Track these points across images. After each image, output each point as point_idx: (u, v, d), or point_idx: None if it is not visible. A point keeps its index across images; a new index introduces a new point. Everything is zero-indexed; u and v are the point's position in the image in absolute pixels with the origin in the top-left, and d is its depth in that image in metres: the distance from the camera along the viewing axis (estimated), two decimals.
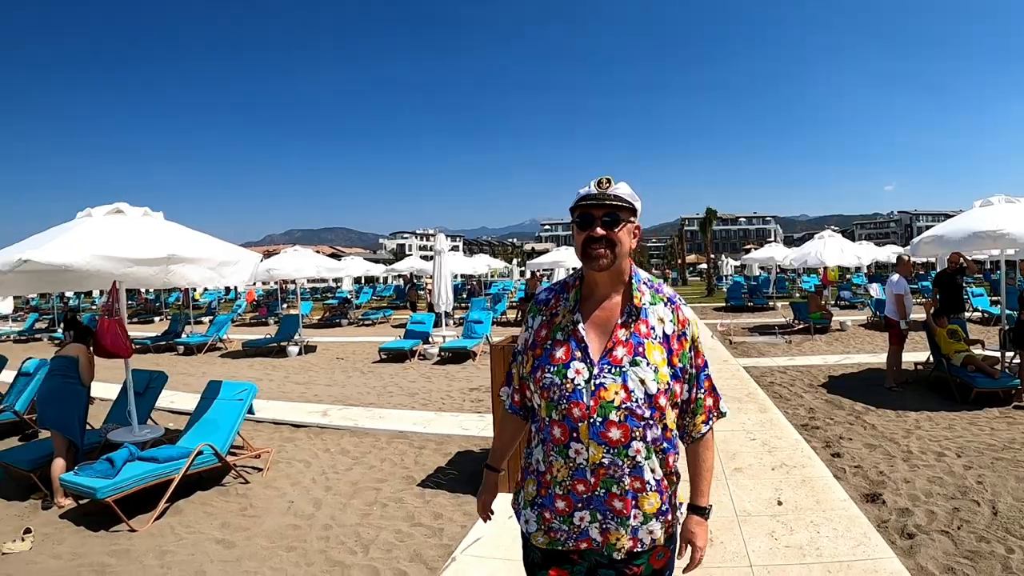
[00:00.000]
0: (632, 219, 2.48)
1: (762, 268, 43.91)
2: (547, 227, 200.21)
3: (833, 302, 27.02)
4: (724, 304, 32.19)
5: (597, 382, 2.35)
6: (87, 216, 7.63)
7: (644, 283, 2.55)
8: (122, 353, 7.47)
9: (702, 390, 2.55)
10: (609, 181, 2.47)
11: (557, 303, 2.62)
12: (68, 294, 44.62)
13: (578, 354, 2.42)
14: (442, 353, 16.79)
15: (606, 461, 2.35)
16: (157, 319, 37.06)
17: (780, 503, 6.04)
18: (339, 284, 54.07)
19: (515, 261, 67.47)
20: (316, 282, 58.02)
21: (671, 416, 2.45)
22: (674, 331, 2.47)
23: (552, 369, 2.44)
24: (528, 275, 34.63)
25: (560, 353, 2.46)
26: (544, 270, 34.42)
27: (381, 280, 59.13)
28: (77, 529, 6.28)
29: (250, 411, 8.06)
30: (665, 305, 2.51)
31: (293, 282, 29.66)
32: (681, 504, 2.63)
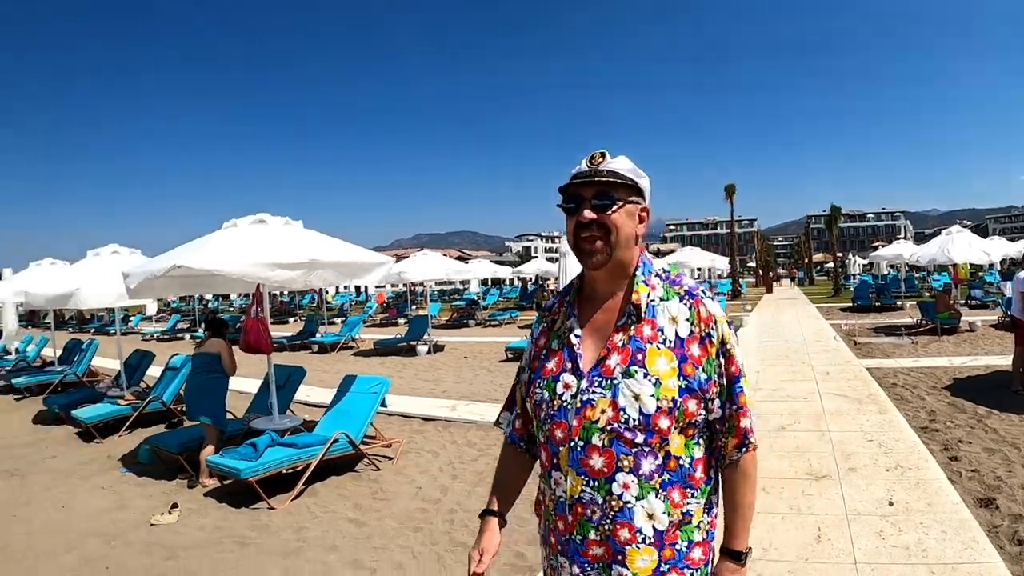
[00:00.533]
0: (634, 199, 2.05)
1: (890, 266, 42.40)
2: (672, 227, 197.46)
3: (963, 301, 25.83)
4: (851, 304, 31.18)
5: (584, 398, 1.95)
6: (232, 226, 8.21)
7: (656, 275, 2.08)
8: (264, 349, 8.02)
9: (735, 406, 2.00)
10: (604, 155, 2.07)
11: (560, 307, 2.23)
12: (207, 296, 46.52)
13: (569, 365, 2.03)
14: None
15: (585, 497, 1.94)
16: (291, 320, 38.36)
17: (891, 504, 5.96)
18: (466, 286, 54.85)
19: None
20: (444, 284, 58.92)
21: (679, 442, 1.94)
22: (693, 332, 1.97)
23: (542, 383, 2.08)
24: None
25: (552, 364, 2.09)
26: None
27: (507, 282, 59.65)
28: (220, 506, 6.87)
29: (382, 404, 8.44)
30: (681, 300, 2.00)
31: (422, 284, 30.23)
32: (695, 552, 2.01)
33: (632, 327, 1.97)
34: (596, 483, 1.91)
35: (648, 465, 1.89)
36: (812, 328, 21.10)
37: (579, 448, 1.93)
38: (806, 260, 73.24)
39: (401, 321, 31.67)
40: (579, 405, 1.95)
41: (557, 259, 19.06)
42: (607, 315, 2.05)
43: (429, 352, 19.53)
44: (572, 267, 17.80)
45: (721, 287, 43.64)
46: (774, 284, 56.22)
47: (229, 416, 8.68)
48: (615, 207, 1.99)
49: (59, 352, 17.51)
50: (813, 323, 23.05)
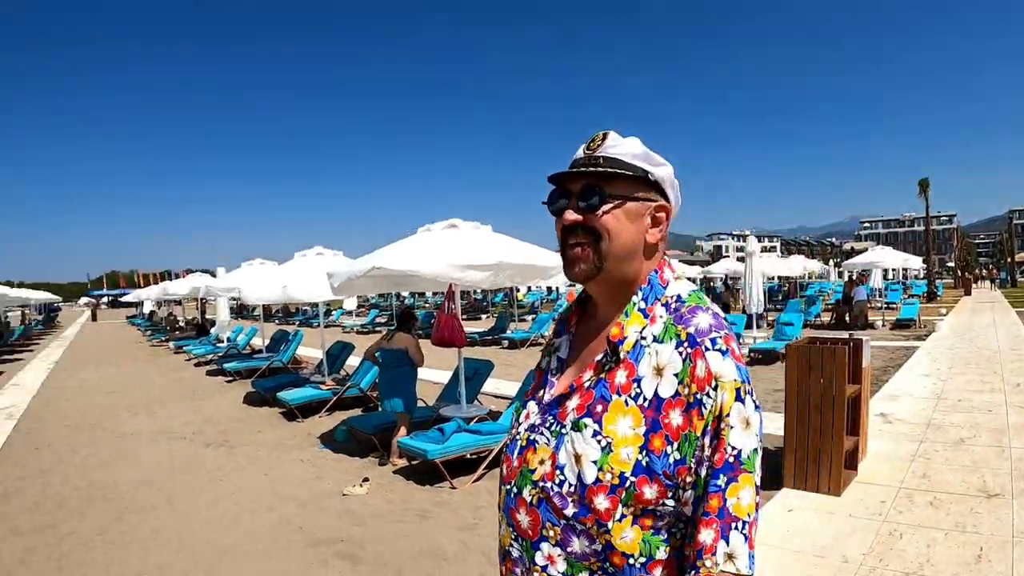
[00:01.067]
0: (642, 195, 1.55)
1: None
2: (866, 224, 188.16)
3: None
4: None
5: (531, 437, 1.56)
6: (426, 231, 8.85)
7: (665, 302, 1.54)
8: (457, 342, 8.67)
9: (702, 509, 1.38)
10: (606, 137, 1.58)
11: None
12: (404, 293, 48.22)
13: (540, 392, 1.64)
14: (751, 354, 16.62)
15: (514, 553, 1.56)
16: (483, 316, 39.36)
17: None
18: None
19: (832, 262, 64.53)
20: None
21: (633, 536, 1.40)
22: (679, 394, 1.39)
23: (517, 404, 1.65)
24: (845, 277, 33.26)
25: (531, 386, 1.73)
26: (862, 271, 32.69)
27: (697, 282, 58.95)
28: (407, 483, 7.53)
29: None
30: (678, 346, 1.43)
31: None
32: None
33: (609, 367, 1.49)
34: (522, 543, 1.52)
35: (580, 546, 1.43)
36: (1008, 335, 19.98)
37: (512, 495, 1.55)
38: (1009, 259, 68.05)
39: None
40: (524, 444, 1.57)
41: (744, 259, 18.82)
42: (600, 344, 1.56)
43: None
44: (757, 268, 17.64)
45: (916, 289, 41.84)
46: (972, 286, 52.98)
47: (420, 403, 9.35)
48: (608, 206, 1.52)
49: (266, 341, 18.99)
50: (1010, 329, 21.78)
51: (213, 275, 28.02)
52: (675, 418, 1.38)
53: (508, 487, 1.57)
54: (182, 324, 36.04)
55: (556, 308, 38.38)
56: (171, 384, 16.77)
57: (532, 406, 1.63)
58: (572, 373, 1.60)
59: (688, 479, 1.38)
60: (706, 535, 1.35)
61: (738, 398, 1.38)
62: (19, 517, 7.17)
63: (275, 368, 16.01)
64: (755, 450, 1.40)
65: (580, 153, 1.58)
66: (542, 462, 1.48)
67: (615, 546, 1.39)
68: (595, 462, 1.39)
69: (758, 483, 1.40)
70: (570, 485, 1.42)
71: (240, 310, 43.58)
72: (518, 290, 45.73)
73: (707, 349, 1.40)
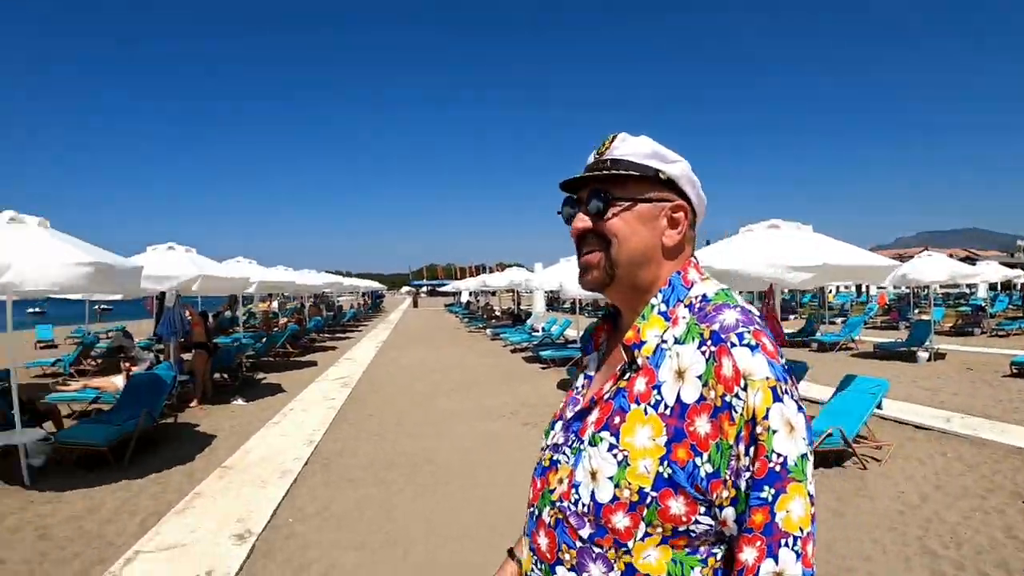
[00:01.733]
0: (653, 196, 1.47)
1: None
2: None
3: None
4: None
5: (554, 457, 1.50)
6: (748, 231, 9.23)
7: (687, 304, 1.43)
8: (778, 339, 8.89)
9: (747, 526, 1.24)
10: (615, 138, 1.53)
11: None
12: None
13: (568, 411, 1.56)
14: None
15: None
16: (792, 317, 38.58)
17: None
18: (973, 290, 51.31)
19: None
20: (949, 287, 55.48)
21: (658, 556, 1.28)
22: (704, 398, 1.27)
23: (547, 426, 1.63)
24: None
25: (563, 405, 1.65)
26: None
27: (1019, 286, 54.63)
28: None
29: (878, 406, 8.81)
30: (700, 346, 1.31)
31: (926, 287, 29.10)
32: None
33: (627, 376, 1.41)
34: (543, 567, 1.43)
35: (596, 573, 1.33)
36: None
37: (534, 517, 1.50)
38: None
39: (902, 325, 30.44)
40: (547, 464, 1.52)
41: None
42: (621, 353, 1.47)
43: (929, 359, 18.56)
44: None
45: None
46: None
47: None
48: (615, 209, 1.46)
49: (579, 332, 19.98)
50: None
51: (530, 270, 29.67)
52: (702, 425, 1.26)
53: (531, 510, 1.52)
54: (498, 313, 38.34)
55: (867, 311, 37.00)
56: (488, 368, 18.12)
57: (558, 425, 1.57)
58: (595, 387, 1.53)
59: (725, 494, 1.25)
60: (748, 554, 1.24)
61: (776, 398, 1.24)
62: (354, 471, 8.39)
63: None
64: (803, 456, 1.25)
65: (591, 158, 1.55)
66: (561, 481, 1.42)
67: (637, 568, 1.29)
68: (611, 478, 1.31)
69: (811, 492, 1.24)
70: (584, 505, 1.34)
71: (551, 302, 45.51)
72: (829, 291, 44.54)
73: (733, 345, 1.27)
